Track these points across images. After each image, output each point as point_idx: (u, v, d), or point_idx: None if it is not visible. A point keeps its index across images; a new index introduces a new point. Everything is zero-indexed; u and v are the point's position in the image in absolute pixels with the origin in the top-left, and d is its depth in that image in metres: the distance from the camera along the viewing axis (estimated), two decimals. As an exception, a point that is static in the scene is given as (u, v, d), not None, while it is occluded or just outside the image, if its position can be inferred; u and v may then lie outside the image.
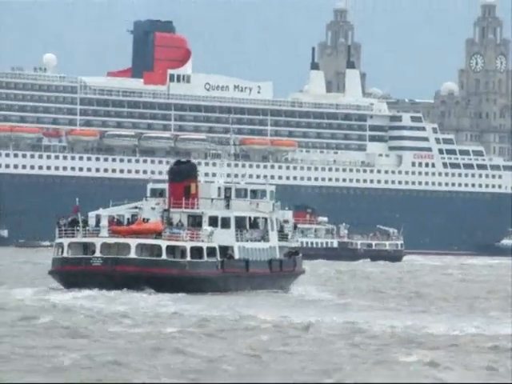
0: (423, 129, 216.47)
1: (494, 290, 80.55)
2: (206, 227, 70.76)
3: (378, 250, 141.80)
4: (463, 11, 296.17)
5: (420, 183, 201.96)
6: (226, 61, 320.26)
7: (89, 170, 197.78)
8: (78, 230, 68.96)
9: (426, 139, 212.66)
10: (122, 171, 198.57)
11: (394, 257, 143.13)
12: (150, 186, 77.22)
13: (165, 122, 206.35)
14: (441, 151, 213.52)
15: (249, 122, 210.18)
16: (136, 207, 74.04)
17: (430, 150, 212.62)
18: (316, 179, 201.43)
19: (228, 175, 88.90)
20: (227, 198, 75.92)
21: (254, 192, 79.54)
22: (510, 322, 52.98)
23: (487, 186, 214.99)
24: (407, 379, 32.84)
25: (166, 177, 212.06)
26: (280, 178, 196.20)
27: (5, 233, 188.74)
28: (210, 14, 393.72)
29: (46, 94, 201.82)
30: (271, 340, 43.40)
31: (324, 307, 62.43)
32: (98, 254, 67.60)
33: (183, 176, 73.99)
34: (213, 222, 72.12)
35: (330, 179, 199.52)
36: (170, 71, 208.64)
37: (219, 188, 76.55)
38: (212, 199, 75.10)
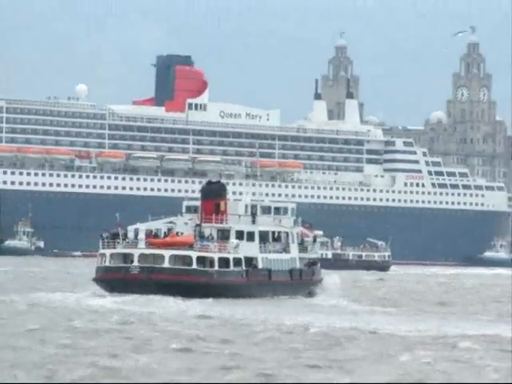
0: (414, 153, 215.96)
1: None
2: (233, 240, 70.85)
3: (368, 261, 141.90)
4: (450, 48, 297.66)
5: (411, 201, 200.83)
6: (239, 91, 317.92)
7: (116, 188, 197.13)
8: (118, 242, 69.95)
9: (416, 162, 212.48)
10: (145, 189, 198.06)
11: (382, 267, 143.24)
12: (185, 203, 77.19)
13: (184, 146, 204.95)
14: (430, 173, 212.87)
15: (258, 146, 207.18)
16: (171, 222, 74.17)
17: (420, 171, 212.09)
18: (318, 197, 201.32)
19: (253, 193, 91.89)
20: (253, 215, 76.01)
21: (277, 209, 79.46)
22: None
23: (471, 204, 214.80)
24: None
25: (185, 194, 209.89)
26: (286, 195, 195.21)
27: (41, 244, 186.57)
28: (225, 49, 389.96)
29: (78, 120, 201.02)
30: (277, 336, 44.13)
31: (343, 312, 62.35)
32: (135, 263, 68.38)
33: (214, 195, 74.37)
34: (239, 235, 72.07)
35: (331, 197, 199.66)
36: (188, 100, 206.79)
37: (246, 205, 76.94)
38: (239, 215, 75.31)
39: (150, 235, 71.38)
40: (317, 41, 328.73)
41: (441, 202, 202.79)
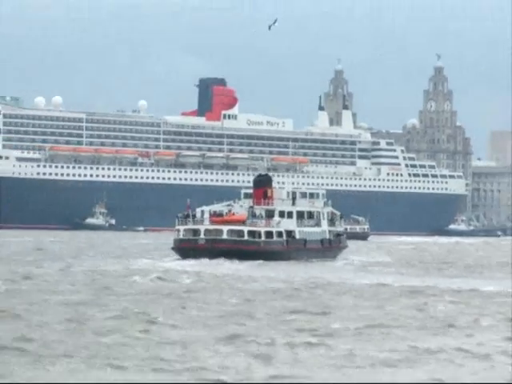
0: (394, 150, 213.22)
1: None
2: (276, 218, 71.94)
3: (352, 232, 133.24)
4: (422, 72, 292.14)
5: (392, 187, 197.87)
6: (261, 104, 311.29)
7: (168, 179, 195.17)
8: (189, 221, 70.99)
9: (396, 157, 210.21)
10: (191, 180, 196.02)
11: (363, 237, 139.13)
12: (243, 191, 78.41)
13: (219, 147, 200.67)
14: (406, 165, 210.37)
15: (276, 146, 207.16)
16: (230, 205, 75.61)
17: (399, 164, 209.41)
18: (322, 185, 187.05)
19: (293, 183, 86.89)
20: (293, 199, 76.60)
21: (311, 194, 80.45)
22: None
23: (438, 189, 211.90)
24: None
25: (221, 184, 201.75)
26: (298, 183, 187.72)
27: (113, 221, 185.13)
28: (251, 71, 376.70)
29: (139, 127, 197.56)
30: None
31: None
32: (202, 236, 69.07)
33: (262, 184, 75.76)
34: (281, 214, 72.80)
35: (332, 185, 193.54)
36: (223, 112, 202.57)
37: (288, 192, 77.83)
38: (283, 200, 76.10)
39: (214, 215, 72.45)
40: (320, 65, 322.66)
41: (415, 188, 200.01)
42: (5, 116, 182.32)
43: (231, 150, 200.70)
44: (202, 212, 74.49)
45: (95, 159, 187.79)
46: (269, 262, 64.78)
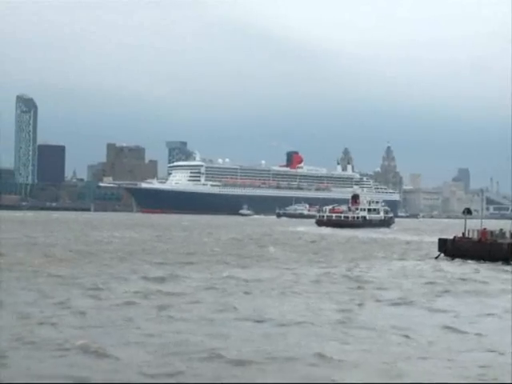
0: (369, 182, 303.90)
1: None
2: (359, 211, 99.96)
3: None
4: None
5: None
6: (315, 161, 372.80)
7: (275, 193, 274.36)
8: (321, 210, 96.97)
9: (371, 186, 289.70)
10: (286, 193, 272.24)
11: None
12: (350, 199, 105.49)
13: (295, 182, 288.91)
14: (376, 188, 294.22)
15: (317, 181, 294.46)
16: (335, 206, 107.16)
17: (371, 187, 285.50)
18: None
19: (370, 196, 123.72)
20: (368, 202, 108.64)
21: (376, 201, 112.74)
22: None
23: (388, 196, 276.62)
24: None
25: (304, 196, 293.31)
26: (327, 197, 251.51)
27: (252, 211, 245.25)
28: (313, 136, 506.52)
29: (263, 171, 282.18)
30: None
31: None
32: (325, 217, 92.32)
33: (355, 197, 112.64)
34: (362, 210, 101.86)
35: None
36: (297, 166, 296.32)
37: (367, 200, 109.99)
38: (365, 203, 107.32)
39: (332, 209, 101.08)
40: (340, 144, 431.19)
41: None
42: (206, 168, 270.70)
43: (302, 182, 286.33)
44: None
45: (244, 185, 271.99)
46: (355, 229, 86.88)
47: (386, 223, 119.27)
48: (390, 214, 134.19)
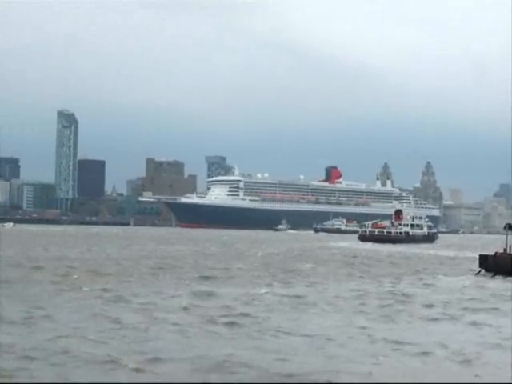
0: (409, 197, 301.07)
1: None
2: (402, 227, 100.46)
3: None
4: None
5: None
6: (355, 173, 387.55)
7: (315, 208, 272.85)
8: (364, 225, 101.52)
9: (410, 201, 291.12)
10: (323, 209, 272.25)
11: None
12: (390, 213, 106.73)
13: (332, 197, 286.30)
14: (416, 204, 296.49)
15: (356, 196, 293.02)
16: (377, 221, 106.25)
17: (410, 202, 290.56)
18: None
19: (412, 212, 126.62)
20: (412, 218, 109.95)
21: (420, 217, 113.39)
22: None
23: (428, 211, 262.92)
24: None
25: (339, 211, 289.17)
26: (368, 211, 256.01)
27: (289, 226, 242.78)
28: (352, 151, 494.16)
29: (301, 186, 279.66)
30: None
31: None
32: (368, 233, 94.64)
33: (398, 212, 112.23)
34: (405, 225, 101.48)
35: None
36: (336, 180, 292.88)
37: (411, 216, 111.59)
38: (408, 218, 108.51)
39: (374, 224, 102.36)
40: (378, 163, 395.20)
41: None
42: (245, 182, 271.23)
43: (341, 196, 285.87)
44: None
45: (282, 200, 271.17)
46: (397, 244, 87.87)
47: (429, 239, 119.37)
48: (434, 230, 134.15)
